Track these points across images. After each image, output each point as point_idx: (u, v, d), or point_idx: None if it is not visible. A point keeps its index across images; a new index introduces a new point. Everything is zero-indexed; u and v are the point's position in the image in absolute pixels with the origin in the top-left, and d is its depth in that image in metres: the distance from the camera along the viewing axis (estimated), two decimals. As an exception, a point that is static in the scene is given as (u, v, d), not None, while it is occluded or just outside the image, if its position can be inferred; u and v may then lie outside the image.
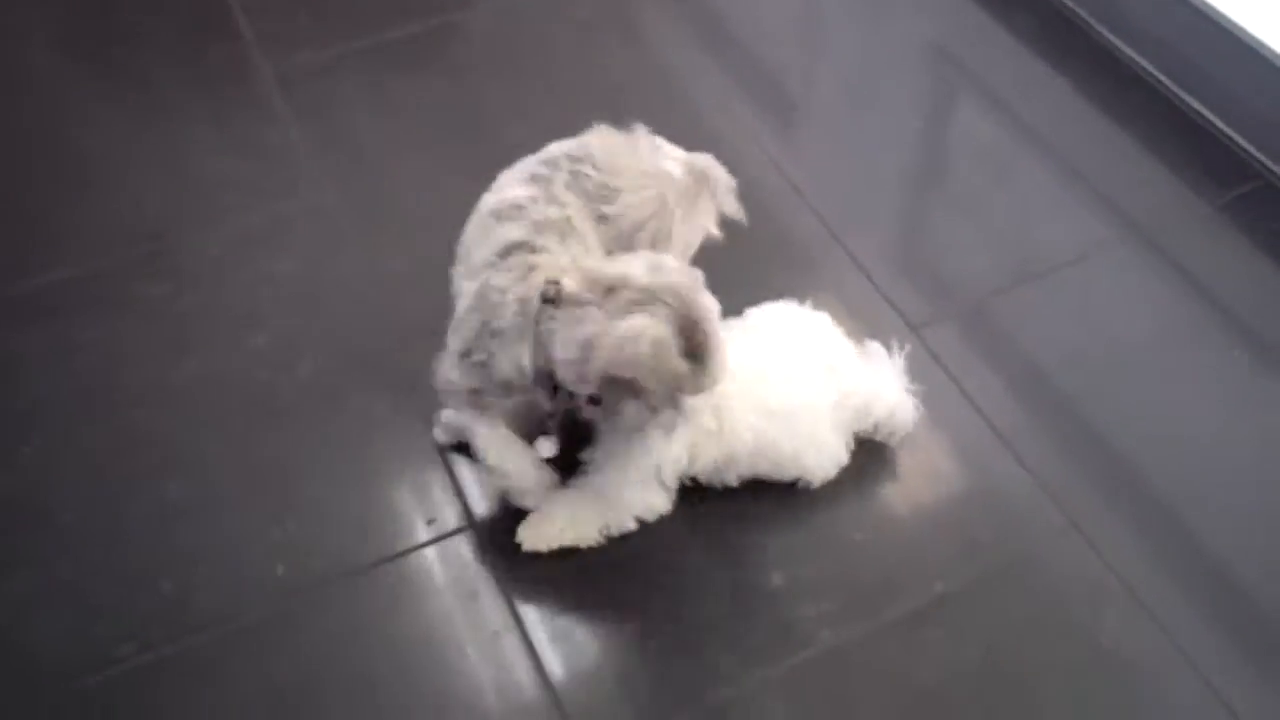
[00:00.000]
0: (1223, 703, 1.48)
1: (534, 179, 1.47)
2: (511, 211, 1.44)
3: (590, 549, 1.59)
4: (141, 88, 2.30)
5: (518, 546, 1.59)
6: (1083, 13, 2.41)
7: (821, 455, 1.62)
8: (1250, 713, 1.47)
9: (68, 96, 2.30)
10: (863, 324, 1.87)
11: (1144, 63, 2.32)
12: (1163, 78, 2.29)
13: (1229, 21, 2.13)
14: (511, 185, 1.48)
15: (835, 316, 1.74)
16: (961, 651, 1.53)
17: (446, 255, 1.97)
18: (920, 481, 1.71)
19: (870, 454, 1.71)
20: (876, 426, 1.67)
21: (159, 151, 2.17)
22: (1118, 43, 2.37)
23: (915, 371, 1.82)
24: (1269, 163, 2.13)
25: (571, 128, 2.18)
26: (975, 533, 1.65)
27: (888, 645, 1.53)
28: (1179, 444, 1.76)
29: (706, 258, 1.55)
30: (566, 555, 1.59)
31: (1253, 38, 2.10)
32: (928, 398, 1.79)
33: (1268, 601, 1.59)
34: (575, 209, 1.44)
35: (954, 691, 1.50)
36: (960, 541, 1.64)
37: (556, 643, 1.52)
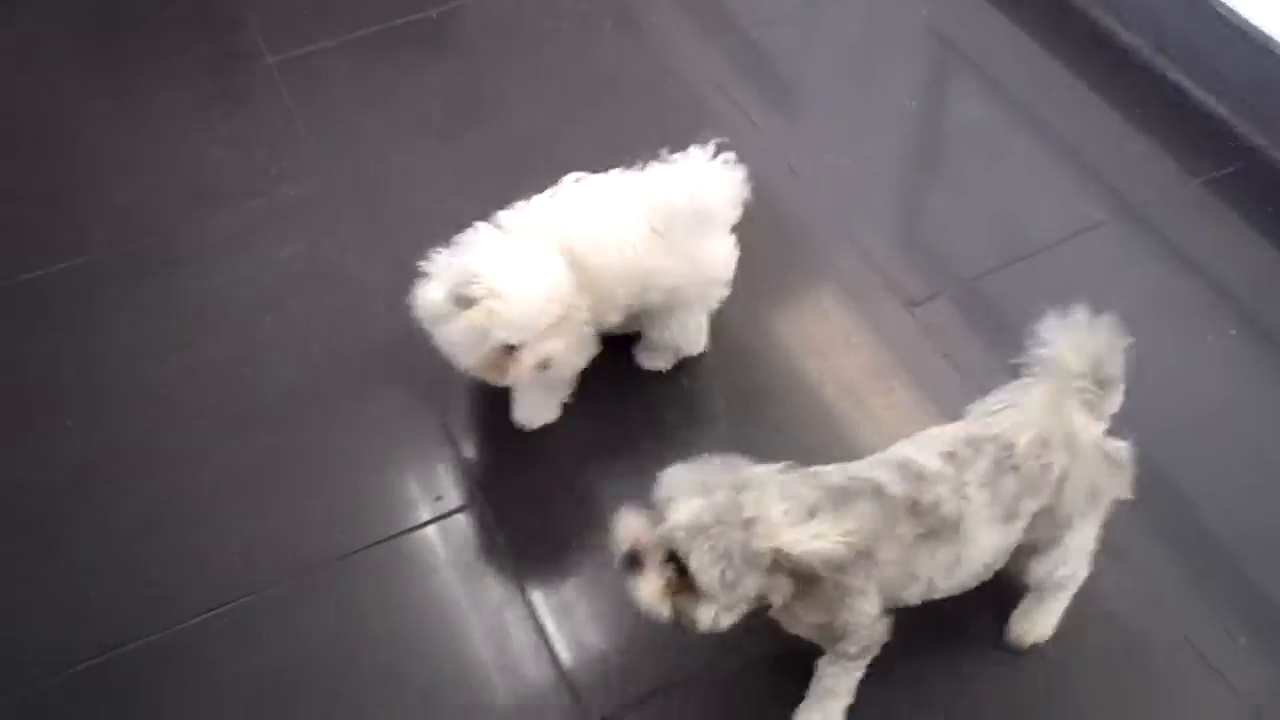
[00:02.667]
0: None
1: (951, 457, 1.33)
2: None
3: (592, 523, 1.64)
4: (144, 79, 2.33)
5: (523, 522, 1.64)
6: (1074, -7, 2.44)
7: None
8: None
9: (67, 88, 2.33)
10: (860, 303, 1.91)
11: (1135, 41, 2.36)
12: (1153, 56, 2.32)
13: (1218, 1, 2.15)
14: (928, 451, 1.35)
15: (833, 297, 1.77)
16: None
17: (448, 240, 2.01)
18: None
19: (861, 430, 1.76)
20: (691, 201, 1.59)
21: (161, 142, 2.20)
22: (1109, 22, 2.40)
23: (909, 350, 1.87)
24: (1257, 140, 2.16)
25: (570, 115, 2.22)
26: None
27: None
28: (1175, 422, 1.77)
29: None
30: (571, 532, 1.64)
31: (1240, 18, 2.13)
32: (921, 375, 1.83)
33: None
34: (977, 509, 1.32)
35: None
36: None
37: (561, 616, 1.57)
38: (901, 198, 2.17)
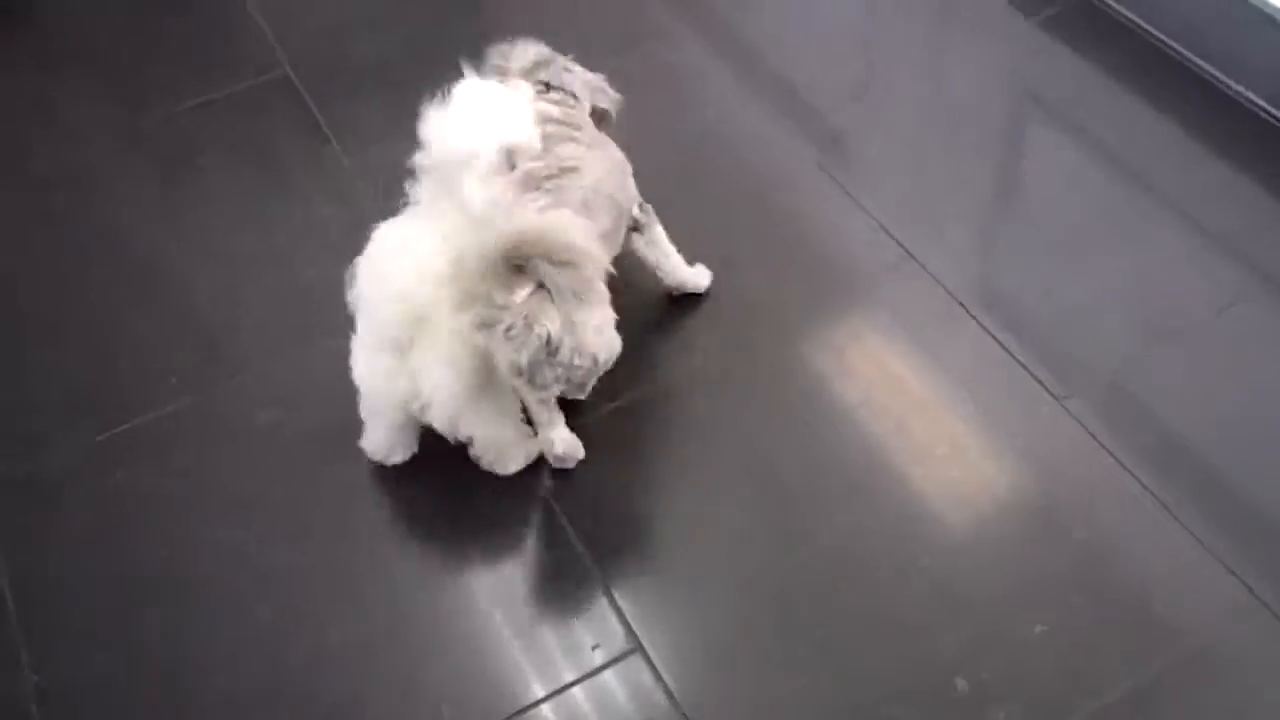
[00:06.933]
0: None
1: None
2: None
3: (767, 659, 1.55)
4: (228, 193, 2.25)
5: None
6: (1180, 47, 2.29)
7: None
8: None
9: (144, 210, 2.24)
10: (1007, 399, 1.82)
11: (1256, 98, 2.20)
12: (1275, 109, 2.18)
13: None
14: None
15: (974, 397, 1.69)
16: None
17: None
18: (1093, 568, 1.64)
19: (1039, 539, 1.66)
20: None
21: (252, 263, 2.12)
22: (1225, 78, 2.24)
23: (1065, 446, 1.76)
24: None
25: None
26: (1157, 617, 1.59)
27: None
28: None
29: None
30: (749, 677, 1.55)
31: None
32: (1084, 475, 1.73)
33: None
34: None
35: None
36: (1142, 628, 1.58)
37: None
38: (1031, 282, 2.02)
